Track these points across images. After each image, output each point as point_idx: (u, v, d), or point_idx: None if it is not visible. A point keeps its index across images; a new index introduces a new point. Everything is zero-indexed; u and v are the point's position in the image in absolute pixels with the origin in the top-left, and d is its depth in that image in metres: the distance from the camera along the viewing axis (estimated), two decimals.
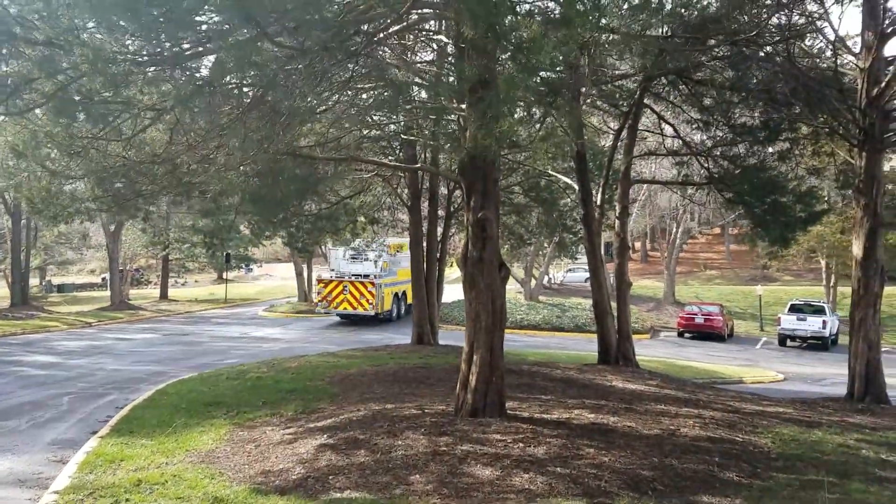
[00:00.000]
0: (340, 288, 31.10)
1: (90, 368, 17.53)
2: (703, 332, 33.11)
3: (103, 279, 59.73)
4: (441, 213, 21.07)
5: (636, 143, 17.12)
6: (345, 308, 31.29)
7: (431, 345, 19.66)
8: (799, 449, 7.90)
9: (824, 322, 31.26)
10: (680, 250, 50.33)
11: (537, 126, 11.75)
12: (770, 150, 16.34)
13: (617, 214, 16.51)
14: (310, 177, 17.39)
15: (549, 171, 17.72)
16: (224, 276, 56.09)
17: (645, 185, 43.25)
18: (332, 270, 32.34)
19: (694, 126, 17.47)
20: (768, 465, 7.03)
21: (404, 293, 32.62)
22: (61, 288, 65.58)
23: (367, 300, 30.65)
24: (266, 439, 8.09)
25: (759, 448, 7.65)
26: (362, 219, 18.91)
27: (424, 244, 20.17)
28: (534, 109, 17.47)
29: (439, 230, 21.25)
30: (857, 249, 12.61)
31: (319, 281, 32.13)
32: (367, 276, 30.87)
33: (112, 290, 42.58)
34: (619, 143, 16.84)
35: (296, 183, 17.28)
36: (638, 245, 72.42)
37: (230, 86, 8.51)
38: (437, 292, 20.40)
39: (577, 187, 16.38)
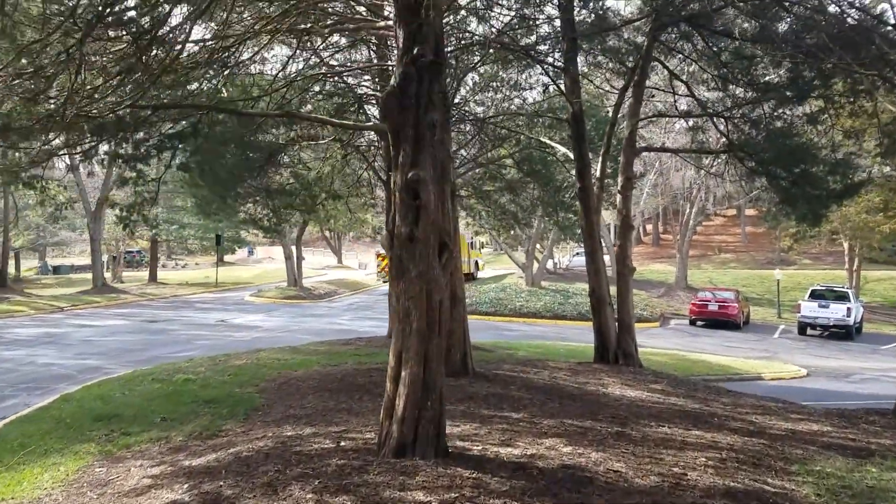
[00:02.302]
0: (387, 262, 35.02)
1: (19, 362, 15.49)
2: (717, 320, 30.68)
3: (104, 261, 57.99)
4: None
5: (643, 104, 14.70)
6: None
7: None
8: (854, 502, 5.63)
9: (848, 309, 28.79)
10: (693, 232, 47.75)
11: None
12: (799, 111, 13.94)
13: (619, 188, 14.14)
14: (261, 147, 15.18)
15: (542, 139, 15.37)
16: (217, 259, 53.93)
17: (657, 163, 40.68)
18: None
19: (711, 85, 15.04)
20: None
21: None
22: (57, 269, 64.01)
23: None
24: (120, 484, 5.92)
25: None
26: (322, 195, 16.61)
27: None
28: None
29: None
30: None
31: (378, 255, 38.57)
32: None
33: (94, 273, 40.58)
34: (623, 105, 14.48)
35: (243, 154, 15.09)
36: (650, 227, 69.83)
37: None
38: None
39: (572, 156, 14.05)
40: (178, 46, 7.12)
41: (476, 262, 46.73)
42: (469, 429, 7.15)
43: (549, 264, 44.76)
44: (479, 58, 16.58)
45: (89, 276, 55.64)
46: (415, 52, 5.71)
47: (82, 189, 40.25)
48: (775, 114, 13.74)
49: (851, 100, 12.60)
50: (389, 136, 5.91)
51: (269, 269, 60.85)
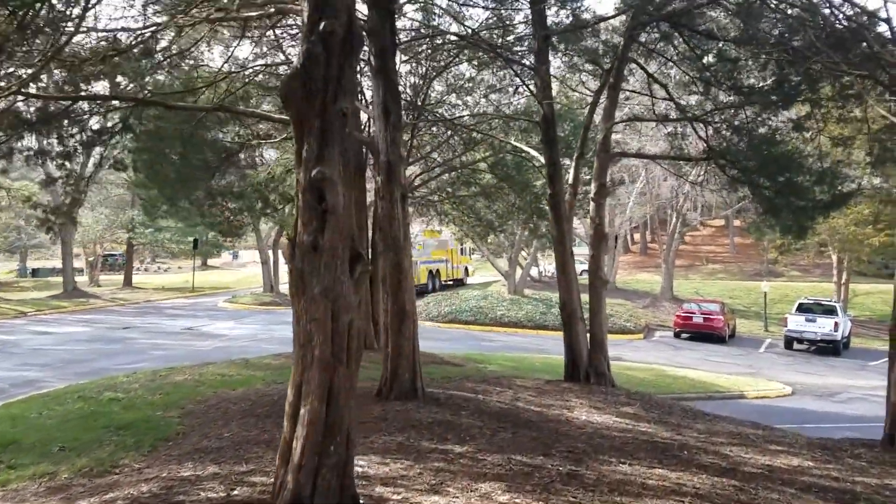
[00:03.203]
0: None
1: None
2: (702, 333, 29.87)
3: (90, 263, 56.41)
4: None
5: (619, 108, 13.84)
6: None
7: (375, 349, 16.50)
8: None
9: (836, 324, 28.03)
10: (680, 242, 47.04)
11: None
12: (784, 116, 13.12)
13: (592, 195, 13.25)
14: (216, 146, 14.24)
15: (514, 143, 14.48)
16: (200, 263, 52.74)
17: (644, 171, 39.87)
18: None
19: (692, 89, 14.20)
20: None
21: (437, 270, 41.22)
22: (36, 272, 62.64)
23: None
24: None
25: None
26: (273, 197, 15.66)
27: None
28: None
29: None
30: None
31: None
32: None
33: (65, 277, 39.41)
34: (598, 109, 13.62)
35: (196, 153, 14.14)
36: (638, 237, 69.03)
37: None
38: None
39: (543, 160, 13.16)
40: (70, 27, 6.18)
41: (466, 268, 47.32)
42: (397, 469, 6.21)
43: (534, 272, 43.87)
44: (450, 58, 15.75)
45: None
46: (322, 26, 4.79)
47: (53, 189, 39.12)
48: (759, 119, 12.90)
49: (840, 105, 11.78)
50: (293, 128, 4.97)
51: (251, 273, 59.70)
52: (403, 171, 9.22)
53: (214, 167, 14.56)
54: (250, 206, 15.50)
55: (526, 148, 14.33)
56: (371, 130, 13.91)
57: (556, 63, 14.24)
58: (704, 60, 13.55)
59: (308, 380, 4.82)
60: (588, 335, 13.09)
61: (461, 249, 44.37)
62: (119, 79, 10.85)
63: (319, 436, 4.76)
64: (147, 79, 10.13)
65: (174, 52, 9.75)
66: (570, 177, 13.60)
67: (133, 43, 8.74)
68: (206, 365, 14.12)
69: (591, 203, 13.32)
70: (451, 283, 43.62)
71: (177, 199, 15.02)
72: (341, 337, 4.87)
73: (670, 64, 14.47)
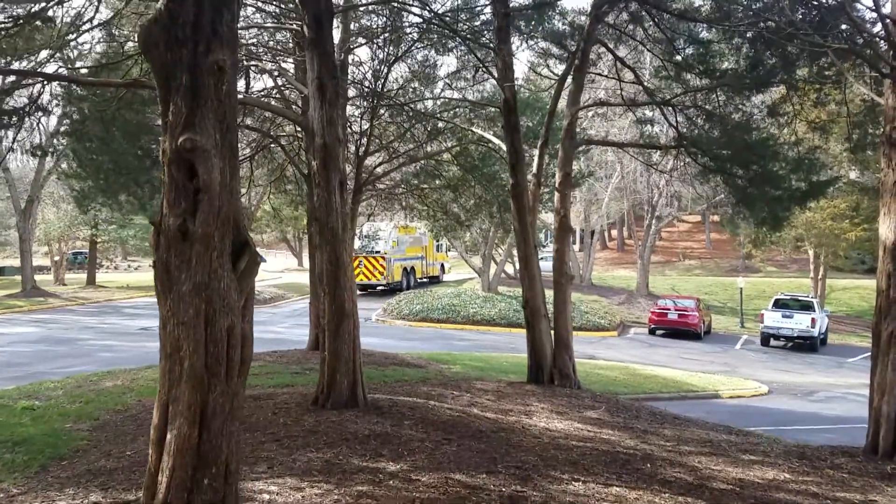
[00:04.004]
0: (356, 262, 34.69)
1: None
2: (677, 329, 29.22)
3: (55, 262, 54.52)
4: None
5: (585, 92, 13.01)
6: (361, 279, 35.84)
7: None
8: None
9: (813, 320, 27.51)
10: (655, 238, 46.48)
11: None
12: (758, 100, 12.39)
13: (557, 185, 12.41)
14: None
15: (475, 130, 13.62)
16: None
17: (619, 165, 39.25)
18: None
19: (662, 74, 13.43)
20: None
21: (412, 268, 40.02)
22: (2, 271, 60.81)
23: (380, 272, 36.36)
24: None
25: None
26: None
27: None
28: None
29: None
30: (885, 230, 8.42)
31: (355, 257, 36.68)
32: (378, 252, 36.18)
33: (23, 275, 37.95)
34: (563, 94, 12.79)
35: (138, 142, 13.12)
36: (615, 233, 68.54)
37: None
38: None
39: (504, 148, 12.33)
40: None
41: (442, 265, 46.73)
42: (311, 496, 5.32)
43: (510, 269, 43.13)
44: (411, 43, 14.89)
45: (37, 277, 52.62)
46: None
47: (11, 185, 37.78)
48: (732, 105, 12.16)
49: (818, 87, 11.06)
50: (157, 85, 4.05)
51: None
52: (343, 155, 8.31)
53: (155, 155, 13.51)
54: None
55: (488, 136, 13.48)
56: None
57: (520, 48, 13.38)
58: (676, 44, 12.80)
59: (176, 398, 3.91)
60: (552, 334, 12.28)
61: (437, 246, 43.56)
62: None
63: (190, 467, 3.87)
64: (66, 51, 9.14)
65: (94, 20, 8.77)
66: (534, 166, 12.77)
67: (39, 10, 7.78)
68: (147, 368, 13.12)
69: (556, 194, 12.50)
70: (426, 280, 42.85)
71: (112, 192, 13.97)
72: (217, 345, 3.97)
73: (640, 48, 13.71)
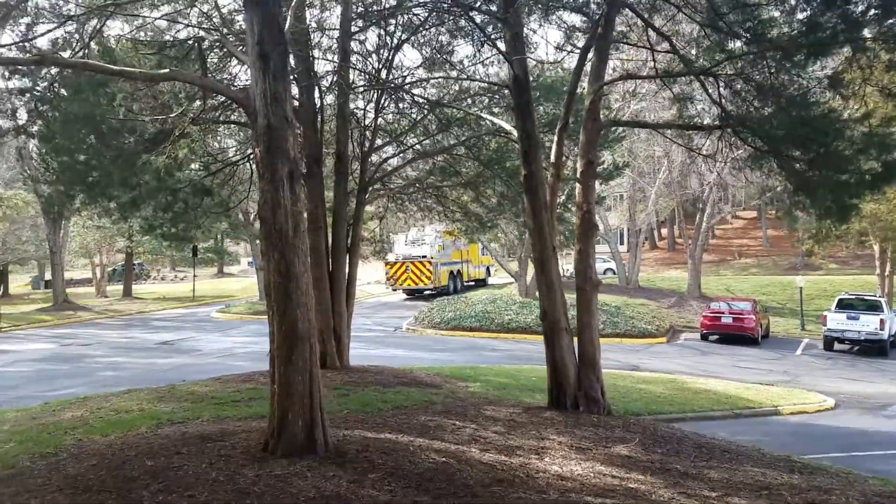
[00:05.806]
0: (404, 268, 37.17)
1: None
2: (732, 334, 26.90)
3: (108, 274, 54.46)
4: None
5: (610, 64, 11.17)
6: (409, 284, 37.56)
7: (336, 368, 14.06)
8: None
9: (882, 321, 24.96)
10: (708, 236, 43.83)
11: None
12: (818, 67, 10.40)
13: (578, 175, 10.60)
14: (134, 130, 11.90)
15: (484, 115, 11.93)
16: (194, 271, 50.40)
17: (666, 159, 36.87)
18: (396, 254, 37.27)
19: (703, 44, 11.48)
20: None
21: (459, 272, 40.17)
22: (49, 284, 61.50)
23: (427, 276, 36.87)
24: None
25: None
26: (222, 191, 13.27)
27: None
28: None
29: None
30: None
31: (386, 263, 37.97)
32: (424, 256, 36.75)
33: (54, 289, 37.70)
34: (584, 68, 10.99)
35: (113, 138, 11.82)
36: (665, 232, 65.66)
37: None
38: (347, 294, 14.70)
39: (515, 134, 10.59)
40: None
41: (488, 268, 46.11)
42: None
43: None
44: (419, 23, 13.33)
45: (81, 290, 52.81)
46: None
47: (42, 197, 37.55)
48: (786, 74, 10.17)
49: (892, 44, 9.04)
50: None
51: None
52: (295, 140, 6.72)
53: (142, 156, 12.19)
54: (186, 205, 13.10)
55: (498, 121, 11.77)
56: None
57: (534, 21, 11.62)
58: (718, 9, 10.87)
59: None
60: (576, 351, 10.47)
61: (482, 249, 42.45)
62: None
63: None
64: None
65: None
66: (552, 154, 10.99)
67: None
68: (121, 394, 11.78)
69: (577, 185, 10.70)
70: (472, 283, 42.36)
71: (95, 198, 12.74)
72: None
73: (676, 16, 11.80)
